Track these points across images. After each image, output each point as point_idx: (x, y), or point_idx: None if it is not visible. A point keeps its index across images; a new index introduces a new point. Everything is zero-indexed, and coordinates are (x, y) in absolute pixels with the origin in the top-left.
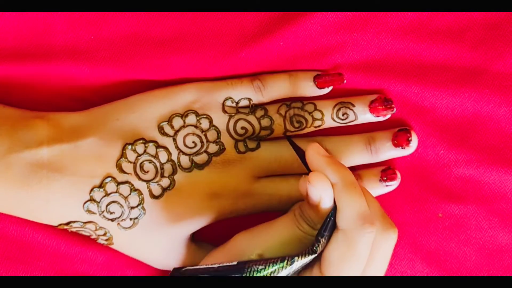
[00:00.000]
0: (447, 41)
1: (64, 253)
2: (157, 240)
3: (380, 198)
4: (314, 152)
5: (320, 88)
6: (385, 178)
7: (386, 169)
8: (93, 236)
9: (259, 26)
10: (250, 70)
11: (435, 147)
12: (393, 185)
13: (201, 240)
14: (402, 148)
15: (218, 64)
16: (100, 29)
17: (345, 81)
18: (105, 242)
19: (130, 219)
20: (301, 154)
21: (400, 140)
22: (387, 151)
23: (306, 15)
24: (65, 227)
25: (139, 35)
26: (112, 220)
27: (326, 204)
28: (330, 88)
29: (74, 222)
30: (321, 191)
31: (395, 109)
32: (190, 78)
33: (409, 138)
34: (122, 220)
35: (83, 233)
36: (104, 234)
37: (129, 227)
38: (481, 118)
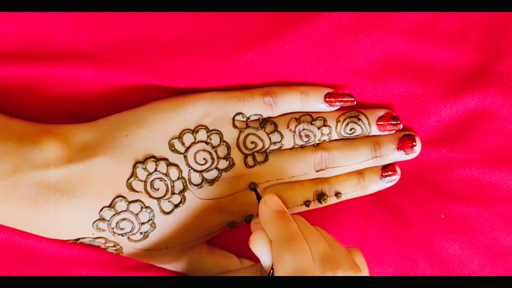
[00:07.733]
0: (451, 42)
1: (68, 255)
2: (167, 250)
3: (382, 198)
4: (264, 204)
5: (330, 106)
6: (385, 175)
7: (387, 166)
8: (102, 247)
9: (264, 28)
10: (255, 72)
11: (437, 147)
12: (394, 180)
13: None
14: (406, 154)
15: (223, 67)
16: (104, 31)
17: (355, 103)
18: (115, 252)
19: (140, 233)
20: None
21: (404, 146)
22: (391, 156)
23: (310, 17)
24: (74, 241)
25: (142, 37)
26: (122, 235)
27: (265, 263)
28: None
29: (83, 238)
30: (258, 252)
31: (401, 125)
32: (196, 87)
33: (414, 144)
34: (132, 234)
35: (93, 244)
36: (114, 246)
37: (139, 240)
38: (485, 118)
